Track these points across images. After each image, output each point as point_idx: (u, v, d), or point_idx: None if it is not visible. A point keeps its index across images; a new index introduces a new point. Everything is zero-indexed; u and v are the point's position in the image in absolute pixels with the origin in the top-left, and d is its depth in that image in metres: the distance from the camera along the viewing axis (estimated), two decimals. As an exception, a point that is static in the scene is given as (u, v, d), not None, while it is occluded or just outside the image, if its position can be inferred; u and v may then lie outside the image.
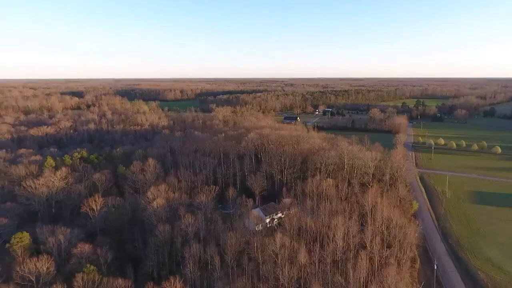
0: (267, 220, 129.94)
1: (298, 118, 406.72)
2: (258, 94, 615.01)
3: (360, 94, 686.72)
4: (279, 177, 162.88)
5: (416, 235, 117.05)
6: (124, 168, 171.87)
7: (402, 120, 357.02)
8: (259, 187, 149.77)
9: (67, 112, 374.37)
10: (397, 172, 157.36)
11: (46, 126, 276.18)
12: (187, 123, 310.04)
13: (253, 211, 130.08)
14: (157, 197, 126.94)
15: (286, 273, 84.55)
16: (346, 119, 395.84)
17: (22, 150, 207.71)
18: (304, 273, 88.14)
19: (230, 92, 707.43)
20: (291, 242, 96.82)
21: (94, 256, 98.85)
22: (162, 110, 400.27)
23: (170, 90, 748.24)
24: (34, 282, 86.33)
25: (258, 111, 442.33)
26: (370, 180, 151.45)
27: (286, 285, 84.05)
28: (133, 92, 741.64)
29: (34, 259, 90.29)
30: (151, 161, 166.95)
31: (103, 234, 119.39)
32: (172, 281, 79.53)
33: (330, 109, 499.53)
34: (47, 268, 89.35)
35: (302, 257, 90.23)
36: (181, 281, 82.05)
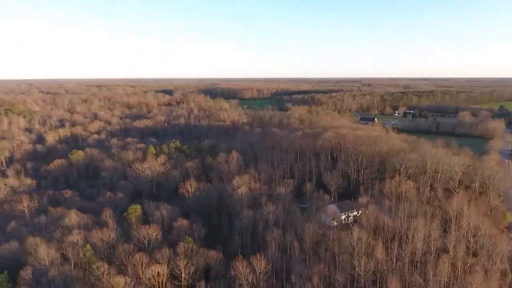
0: (343, 217, 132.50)
1: (375, 119, 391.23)
2: (334, 94, 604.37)
3: (448, 95, 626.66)
4: (355, 176, 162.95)
5: (509, 247, 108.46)
6: (211, 159, 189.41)
7: (498, 124, 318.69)
8: (335, 185, 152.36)
9: (161, 108, 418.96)
10: (488, 180, 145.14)
11: (146, 120, 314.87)
12: (265, 120, 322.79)
13: (329, 206, 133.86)
14: (241, 186, 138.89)
15: (363, 265, 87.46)
16: (430, 122, 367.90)
17: (129, 139, 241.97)
18: (380, 268, 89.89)
19: (305, 92, 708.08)
20: (368, 237, 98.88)
21: (190, 230, 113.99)
22: (242, 108, 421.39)
23: (248, 90, 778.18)
24: (146, 244, 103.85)
25: (334, 111, 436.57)
26: (456, 186, 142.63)
27: (363, 275, 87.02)
28: (214, 91, 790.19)
29: (146, 227, 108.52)
30: (234, 154, 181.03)
31: (195, 213, 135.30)
32: (258, 257, 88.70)
33: (412, 111, 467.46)
34: (156, 235, 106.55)
35: (379, 252, 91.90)
36: (264, 260, 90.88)
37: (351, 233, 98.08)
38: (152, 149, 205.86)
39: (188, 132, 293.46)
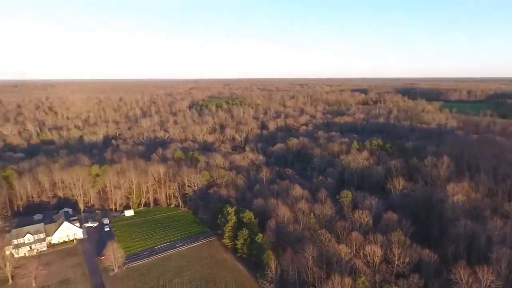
0: None
1: None
2: None
3: None
4: None
5: None
6: (417, 160, 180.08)
7: None
8: None
9: (359, 107, 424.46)
10: None
11: (345, 116, 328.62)
12: (481, 127, 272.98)
13: None
14: (457, 193, 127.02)
15: None
16: None
17: (333, 133, 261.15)
18: None
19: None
20: None
21: (397, 224, 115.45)
22: (450, 111, 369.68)
23: (455, 90, 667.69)
24: (358, 226, 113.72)
25: None
26: None
27: None
28: (413, 91, 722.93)
29: (358, 211, 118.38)
30: (446, 159, 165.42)
31: (400, 209, 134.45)
32: (486, 269, 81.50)
33: None
34: (367, 220, 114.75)
35: None
36: (492, 274, 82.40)
37: None
38: (355, 144, 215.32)
39: (388, 131, 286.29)
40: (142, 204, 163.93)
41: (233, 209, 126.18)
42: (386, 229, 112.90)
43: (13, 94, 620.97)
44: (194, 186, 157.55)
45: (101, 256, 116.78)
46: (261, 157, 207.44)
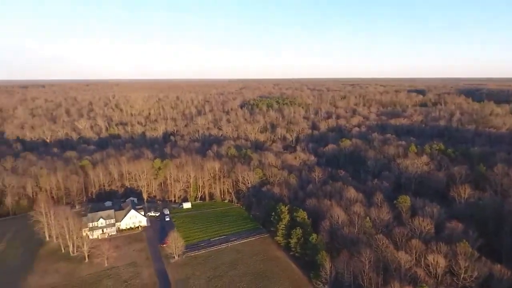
0: None
1: None
2: None
3: None
4: None
5: None
6: (484, 167, 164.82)
7: None
8: None
9: (416, 108, 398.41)
10: None
11: (402, 118, 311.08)
12: None
13: None
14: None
15: None
16: None
17: (388, 135, 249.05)
18: None
19: None
20: None
21: (463, 235, 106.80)
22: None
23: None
24: (418, 234, 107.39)
25: None
26: None
27: None
28: (478, 92, 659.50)
29: (418, 218, 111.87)
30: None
31: (465, 219, 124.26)
32: None
33: None
34: (428, 229, 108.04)
35: None
36: None
37: None
38: (413, 147, 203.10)
39: (449, 135, 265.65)
40: (199, 198, 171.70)
41: (287, 207, 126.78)
42: (449, 239, 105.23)
43: (86, 93, 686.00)
44: (248, 183, 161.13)
45: (163, 244, 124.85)
46: (312, 158, 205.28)
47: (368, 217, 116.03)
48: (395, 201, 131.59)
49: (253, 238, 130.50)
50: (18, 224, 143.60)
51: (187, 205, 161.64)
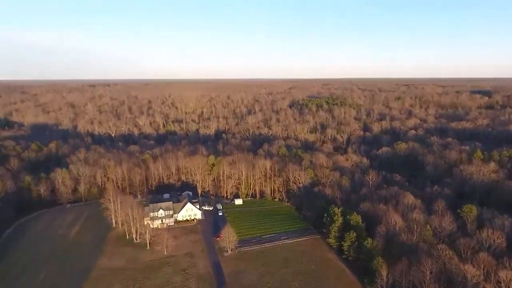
0: None
1: None
2: None
3: None
4: None
5: None
6: None
7: None
8: None
9: (481, 111, 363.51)
10: None
11: (464, 122, 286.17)
12: None
13: None
14: None
15: None
16: None
17: (449, 139, 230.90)
18: None
19: None
20: None
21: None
22: None
23: None
24: (486, 247, 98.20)
25: None
26: None
27: None
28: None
29: (487, 230, 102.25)
30: None
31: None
32: None
33: None
34: (499, 242, 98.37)
35: None
36: None
37: None
38: (479, 153, 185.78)
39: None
40: (249, 195, 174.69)
41: (339, 210, 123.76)
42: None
43: (145, 91, 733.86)
44: (299, 183, 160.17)
45: (217, 237, 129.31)
46: (365, 160, 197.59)
47: (428, 225, 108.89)
48: (458, 210, 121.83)
49: (304, 238, 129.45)
50: (90, 210, 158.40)
51: (238, 202, 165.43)
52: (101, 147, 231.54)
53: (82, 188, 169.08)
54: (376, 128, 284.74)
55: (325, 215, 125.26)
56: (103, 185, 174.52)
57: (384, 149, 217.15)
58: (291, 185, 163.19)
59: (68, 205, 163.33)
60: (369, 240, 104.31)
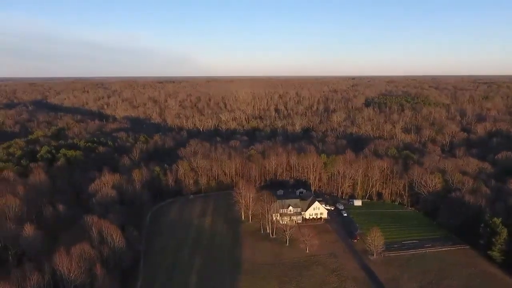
0: None
1: None
2: None
3: None
4: None
5: None
6: None
7: None
8: None
9: None
10: None
11: None
12: None
13: None
14: None
15: None
16: None
17: None
18: None
19: None
20: None
21: None
22: None
23: None
24: None
25: None
26: None
27: None
28: None
29: None
30: None
31: None
32: None
33: None
34: None
35: None
36: None
37: None
38: None
39: None
40: (366, 196, 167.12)
41: (499, 220, 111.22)
42: None
43: (211, 88, 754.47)
44: (428, 187, 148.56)
45: (354, 239, 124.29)
46: (487, 165, 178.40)
47: None
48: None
49: (451, 248, 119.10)
50: (213, 202, 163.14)
51: (357, 203, 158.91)
52: (206, 142, 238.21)
53: (202, 180, 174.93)
54: (479, 130, 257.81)
55: (482, 225, 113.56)
56: (218, 178, 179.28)
57: (505, 153, 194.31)
58: (417, 189, 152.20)
59: (192, 196, 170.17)
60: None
